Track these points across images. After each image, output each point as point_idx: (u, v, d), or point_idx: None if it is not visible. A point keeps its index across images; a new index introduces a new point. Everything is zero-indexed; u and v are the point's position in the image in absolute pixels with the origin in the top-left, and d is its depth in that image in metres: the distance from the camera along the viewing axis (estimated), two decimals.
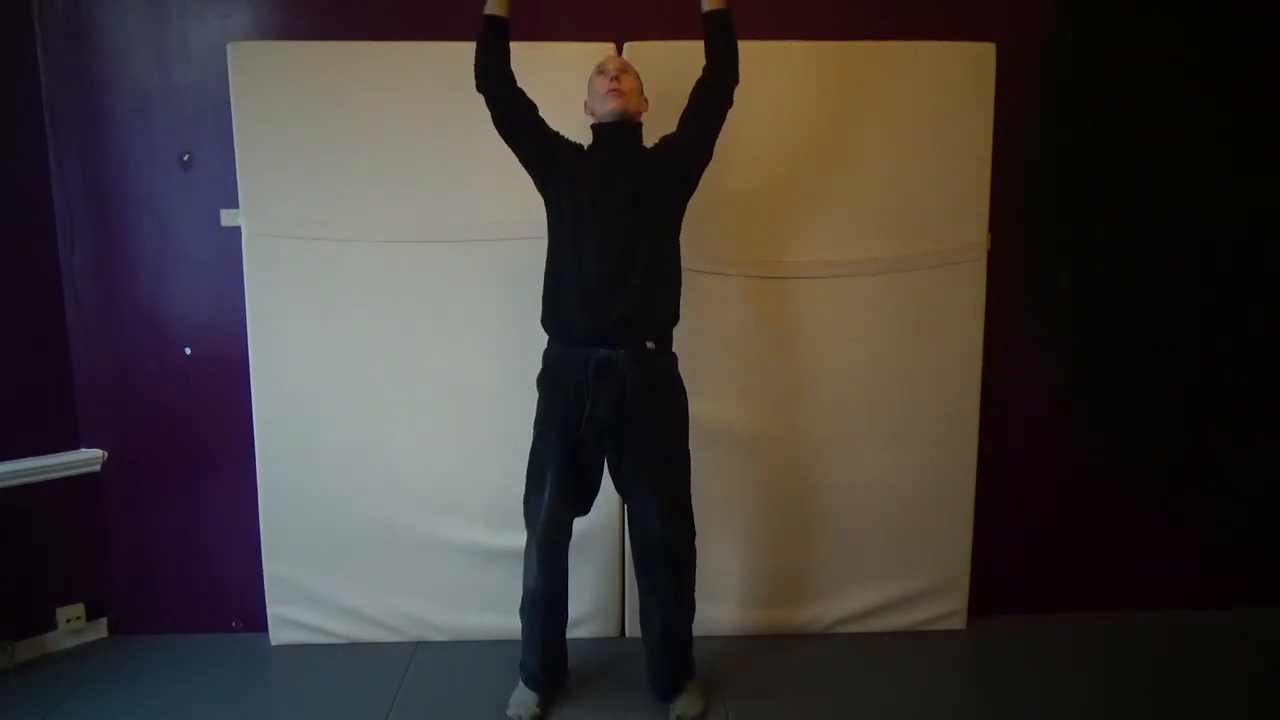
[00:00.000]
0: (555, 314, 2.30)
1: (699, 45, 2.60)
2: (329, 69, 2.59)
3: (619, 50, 2.62)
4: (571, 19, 2.66)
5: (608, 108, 2.30)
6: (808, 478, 2.79)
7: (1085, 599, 3.03)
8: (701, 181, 2.58)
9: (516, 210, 2.58)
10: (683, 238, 2.40)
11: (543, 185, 2.35)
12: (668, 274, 2.33)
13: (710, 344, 2.67)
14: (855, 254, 2.72)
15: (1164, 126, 2.85)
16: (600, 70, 2.36)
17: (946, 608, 2.90)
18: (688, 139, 2.34)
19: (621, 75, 2.32)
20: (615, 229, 2.24)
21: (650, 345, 2.29)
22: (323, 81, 2.59)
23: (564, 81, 2.57)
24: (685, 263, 2.42)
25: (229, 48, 2.58)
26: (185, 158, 2.71)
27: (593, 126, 2.37)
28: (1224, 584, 3.06)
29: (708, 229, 2.62)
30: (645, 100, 2.40)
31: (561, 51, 2.60)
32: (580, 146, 2.39)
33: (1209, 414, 2.99)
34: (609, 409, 2.24)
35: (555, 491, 2.29)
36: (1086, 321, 2.92)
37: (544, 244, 2.36)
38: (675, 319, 2.36)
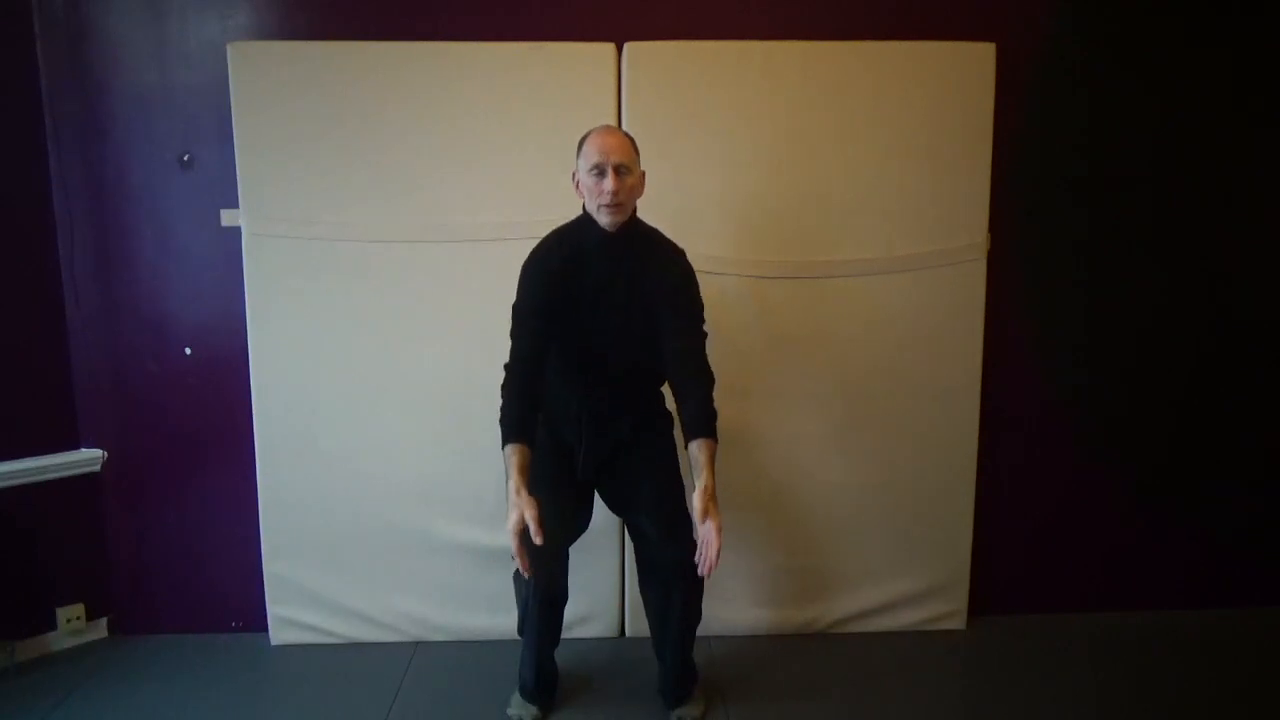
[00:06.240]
0: (551, 379, 2.26)
1: (699, 45, 2.62)
2: (329, 69, 2.59)
3: (619, 51, 2.61)
4: (571, 19, 2.66)
5: (605, 220, 2.13)
6: (808, 478, 2.80)
7: (1085, 599, 3.03)
8: (702, 182, 2.59)
9: (516, 210, 2.59)
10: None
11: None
12: (660, 352, 2.26)
13: (710, 344, 2.66)
14: (855, 254, 2.72)
15: (1165, 126, 2.84)
16: (598, 171, 2.10)
17: (946, 608, 2.90)
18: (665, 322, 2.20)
19: (619, 183, 2.09)
20: (612, 322, 2.19)
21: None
22: (322, 81, 2.59)
23: (564, 81, 2.58)
24: None
25: (229, 48, 2.58)
26: (185, 158, 2.71)
27: (584, 208, 2.21)
28: (1224, 584, 3.06)
29: (708, 229, 2.63)
30: (643, 179, 2.20)
31: (561, 51, 2.60)
32: (563, 245, 2.20)
33: (1209, 413, 2.98)
34: (605, 453, 2.29)
35: (551, 508, 2.26)
36: (1086, 321, 2.92)
37: None
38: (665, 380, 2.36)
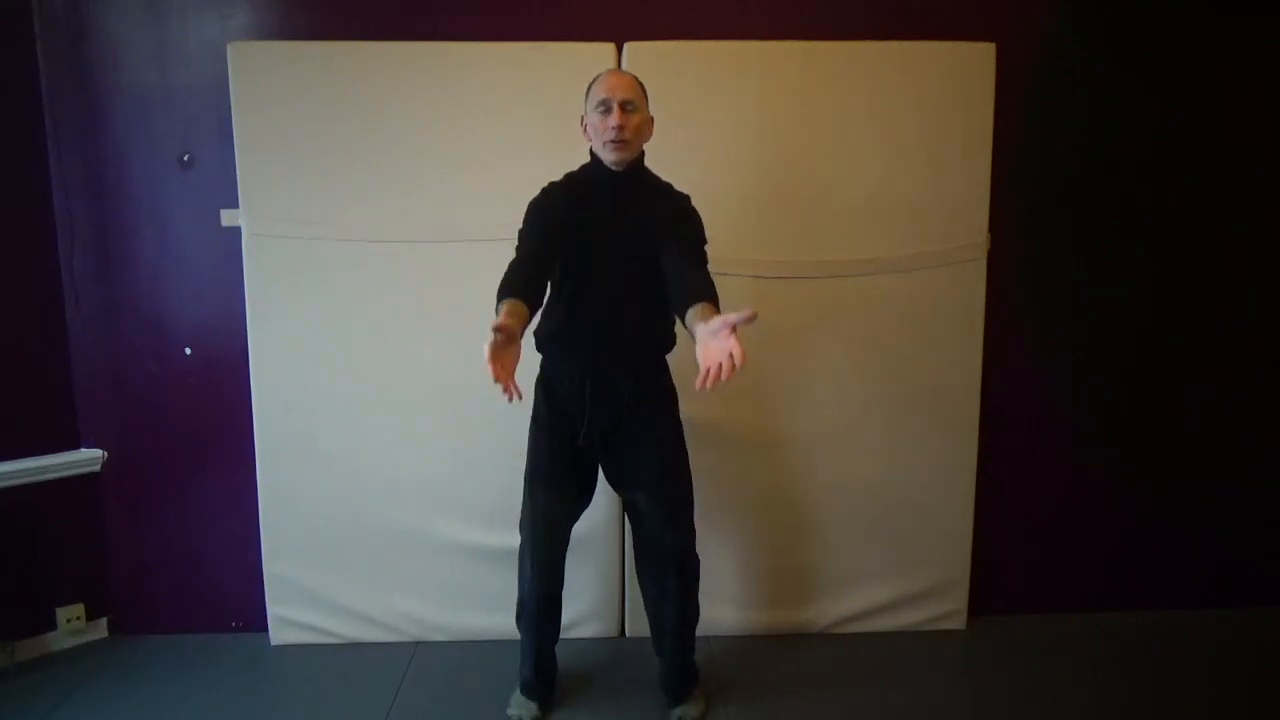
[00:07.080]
0: (553, 342, 2.25)
1: (699, 45, 2.62)
2: (329, 69, 2.59)
3: (619, 51, 2.61)
4: (571, 19, 2.66)
5: (610, 158, 2.12)
6: (808, 478, 2.80)
7: (1085, 599, 3.03)
8: (702, 182, 2.59)
9: (516, 210, 2.57)
10: None
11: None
12: (664, 307, 2.19)
13: None
14: (855, 254, 2.72)
15: (1165, 126, 2.85)
16: (604, 107, 2.09)
17: (946, 608, 2.90)
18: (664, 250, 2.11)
19: (625, 118, 2.08)
20: (616, 269, 2.16)
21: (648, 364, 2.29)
22: (322, 81, 2.59)
23: (564, 81, 2.57)
24: None
25: (229, 48, 2.58)
26: (185, 158, 2.71)
27: (592, 153, 2.21)
28: (1224, 584, 3.06)
29: (708, 228, 2.62)
30: (650, 123, 2.19)
31: (561, 51, 2.60)
32: (570, 186, 2.21)
33: (1209, 413, 2.98)
34: (606, 423, 2.25)
35: (553, 497, 2.28)
36: (1086, 321, 2.92)
37: None
38: (672, 345, 2.32)
